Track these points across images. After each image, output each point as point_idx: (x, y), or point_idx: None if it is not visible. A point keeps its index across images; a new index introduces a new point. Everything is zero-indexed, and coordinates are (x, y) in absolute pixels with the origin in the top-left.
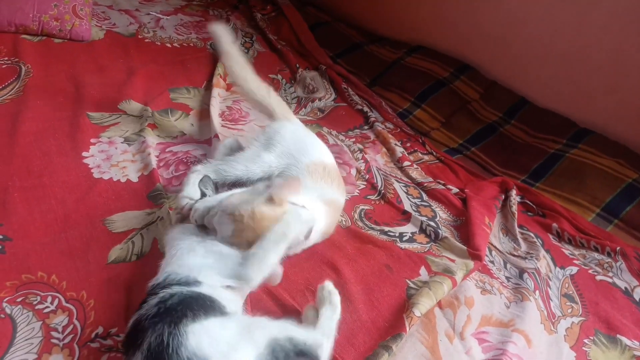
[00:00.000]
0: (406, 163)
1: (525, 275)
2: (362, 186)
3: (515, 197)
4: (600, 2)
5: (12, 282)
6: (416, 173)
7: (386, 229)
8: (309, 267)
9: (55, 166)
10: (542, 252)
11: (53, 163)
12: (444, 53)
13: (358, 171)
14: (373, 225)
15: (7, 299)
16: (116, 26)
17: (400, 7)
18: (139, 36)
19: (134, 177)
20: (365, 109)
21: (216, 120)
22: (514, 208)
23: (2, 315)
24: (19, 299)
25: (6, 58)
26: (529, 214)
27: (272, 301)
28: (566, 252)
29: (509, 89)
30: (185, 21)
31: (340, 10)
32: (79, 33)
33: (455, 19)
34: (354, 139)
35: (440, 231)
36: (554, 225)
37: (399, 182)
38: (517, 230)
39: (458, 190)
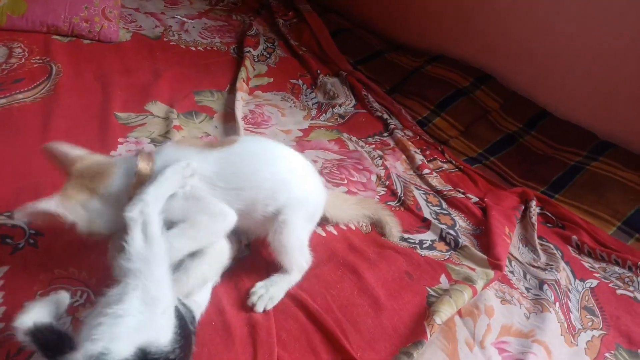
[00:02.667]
0: (426, 171)
1: (545, 287)
2: (382, 192)
3: (535, 208)
4: (625, 15)
5: (45, 275)
6: (436, 181)
7: (406, 235)
8: (329, 270)
9: None
10: (562, 264)
11: None
12: (465, 62)
13: (378, 177)
14: None
15: (40, 292)
16: (142, 28)
17: (422, 16)
18: (165, 39)
19: None
20: (385, 116)
21: (241, 123)
22: (534, 219)
23: None
24: (51, 293)
25: (38, 57)
26: (549, 225)
27: (293, 304)
28: (586, 264)
29: (530, 99)
30: (209, 25)
31: (361, 17)
32: (107, 35)
33: (477, 29)
34: (373, 146)
35: (460, 239)
36: (574, 237)
37: (419, 190)
38: (537, 241)
39: (478, 199)
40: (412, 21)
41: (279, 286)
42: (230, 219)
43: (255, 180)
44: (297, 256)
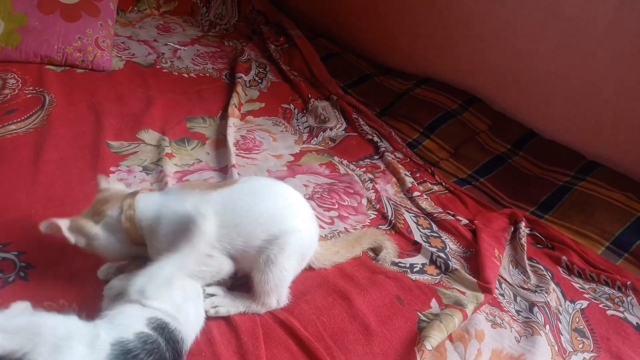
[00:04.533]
0: (416, 193)
1: (536, 309)
2: (373, 216)
3: (524, 229)
4: (606, 40)
5: (35, 308)
6: (426, 203)
7: (396, 260)
8: (319, 296)
9: (76, 194)
10: (552, 285)
11: (75, 191)
12: (453, 85)
13: (369, 201)
14: None
15: None
16: (135, 56)
17: (409, 40)
18: (157, 66)
19: None
20: (376, 138)
21: (232, 149)
22: (523, 240)
23: None
24: None
25: (31, 88)
26: (539, 246)
27: (284, 331)
28: (576, 285)
29: (517, 121)
30: (201, 52)
31: (351, 42)
32: (101, 64)
33: (464, 53)
34: (364, 169)
35: (450, 263)
36: (564, 258)
37: (409, 212)
38: (527, 262)
39: (468, 221)
40: (401, 45)
41: (237, 304)
42: (227, 269)
43: (252, 215)
44: (273, 292)
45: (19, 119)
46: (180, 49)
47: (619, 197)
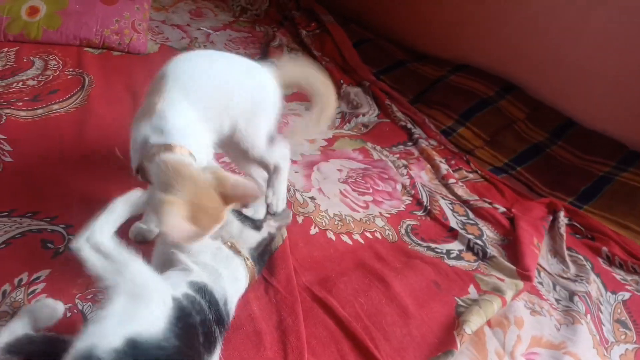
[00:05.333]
0: (451, 180)
1: (576, 298)
2: (408, 201)
3: (563, 219)
4: None
5: (83, 279)
6: (462, 191)
7: (433, 245)
8: (356, 278)
9: (121, 175)
10: (592, 276)
11: (119, 171)
12: (489, 72)
13: (403, 186)
14: (420, 242)
15: (79, 295)
16: (169, 40)
17: (445, 26)
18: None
19: None
20: (409, 125)
21: None
22: (563, 230)
23: (75, 311)
24: (89, 296)
25: (71, 69)
26: (577, 236)
27: (322, 310)
28: (617, 277)
29: (556, 109)
30: (233, 37)
31: (383, 27)
32: (136, 46)
33: (502, 39)
34: (398, 155)
35: (488, 250)
36: (604, 248)
37: (445, 199)
38: (566, 252)
39: (505, 209)
40: (435, 31)
41: (280, 186)
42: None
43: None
44: (268, 153)
45: (61, 99)
46: (212, 33)
47: None
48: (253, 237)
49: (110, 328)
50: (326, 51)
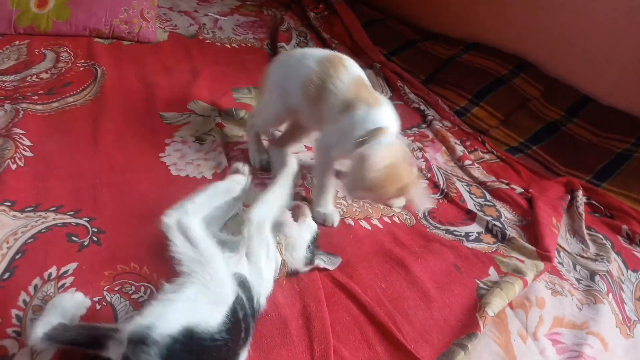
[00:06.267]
0: (467, 162)
1: (597, 278)
2: (424, 185)
3: (581, 198)
4: None
5: (109, 271)
6: (478, 172)
7: (451, 228)
8: (376, 263)
9: (136, 164)
10: (613, 255)
11: (134, 161)
12: (503, 50)
13: (419, 170)
14: (438, 225)
15: (106, 287)
16: (178, 27)
17: (456, 4)
18: (200, 37)
19: (209, 174)
20: (422, 107)
21: None
22: (581, 209)
23: (104, 303)
24: (116, 288)
25: (83, 61)
26: (597, 215)
27: (345, 295)
28: (638, 255)
29: (572, 86)
30: (241, 22)
31: (392, 7)
32: (146, 35)
33: (514, 15)
34: (412, 138)
35: (507, 231)
36: (624, 227)
37: (461, 182)
38: (585, 231)
39: (522, 190)
40: (445, 9)
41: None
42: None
43: None
44: None
45: (74, 92)
46: (220, 19)
47: None
48: (302, 256)
49: (174, 313)
50: (335, 33)
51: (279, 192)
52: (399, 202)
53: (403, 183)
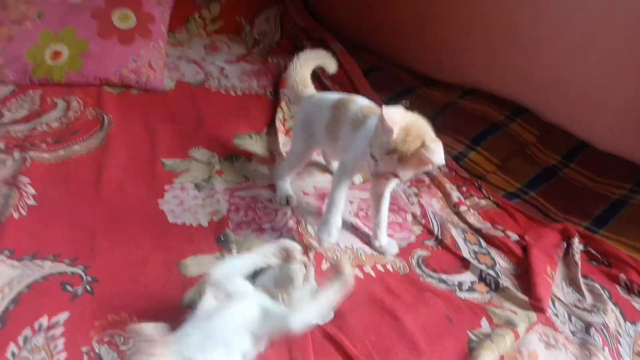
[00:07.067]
0: (463, 208)
1: (592, 330)
2: (419, 232)
3: (578, 245)
4: None
5: (100, 322)
6: (473, 218)
7: (444, 277)
8: (367, 313)
9: (135, 212)
10: (610, 305)
11: (133, 209)
12: (499, 95)
13: (414, 216)
14: (431, 273)
15: (96, 338)
16: (185, 76)
17: (453, 51)
18: (206, 85)
19: (205, 222)
20: None
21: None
22: (577, 257)
23: (92, 354)
24: (106, 339)
25: (92, 109)
26: (594, 263)
27: (334, 348)
28: (637, 305)
29: (568, 131)
30: (247, 69)
31: (393, 54)
32: (153, 84)
33: (508, 62)
34: (408, 183)
35: (500, 280)
36: (622, 276)
37: (456, 228)
38: (581, 280)
39: (518, 237)
40: (444, 56)
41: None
42: None
43: None
44: None
45: (81, 140)
46: (226, 67)
47: None
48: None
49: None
50: (337, 79)
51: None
52: (393, 249)
53: (422, 138)
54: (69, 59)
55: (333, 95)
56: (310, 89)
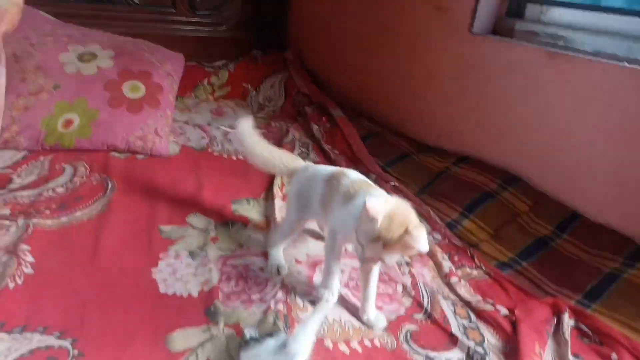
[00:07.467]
0: (454, 279)
1: None
2: (408, 303)
3: (568, 322)
4: None
5: None
6: (464, 290)
7: (432, 354)
8: None
9: (128, 281)
10: None
11: (126, 278)
12: (492, 164)
13: (404, 287)
14: (419, 350)
15: None
16: (190, 140)
17: (447, 120)
18: (209, 150)
19: (195, 292)
20: None
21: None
22: (567, 334)
23: None
24: None
25: (97, 175)
26: (585, 340)
27: None
28: None
29: (560, 202)
30: None
31: (389, 121)
32: (159, 150)
33: (501, 131)
34: None
35: (488, 359)
36: (614, 355)
37: (447, 300)
38: (571, 359)
39: (508, 312)
40: (439, 124)
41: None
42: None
43: None
44: None
45: (84, 206)
46: (230, 131)
47: None
48: None
49: None
50: (336, 144)
51: None
52: (381, 324)
53: (406, 225)
54: (79, 127)
55: (327, 168)
56: (299, 160)
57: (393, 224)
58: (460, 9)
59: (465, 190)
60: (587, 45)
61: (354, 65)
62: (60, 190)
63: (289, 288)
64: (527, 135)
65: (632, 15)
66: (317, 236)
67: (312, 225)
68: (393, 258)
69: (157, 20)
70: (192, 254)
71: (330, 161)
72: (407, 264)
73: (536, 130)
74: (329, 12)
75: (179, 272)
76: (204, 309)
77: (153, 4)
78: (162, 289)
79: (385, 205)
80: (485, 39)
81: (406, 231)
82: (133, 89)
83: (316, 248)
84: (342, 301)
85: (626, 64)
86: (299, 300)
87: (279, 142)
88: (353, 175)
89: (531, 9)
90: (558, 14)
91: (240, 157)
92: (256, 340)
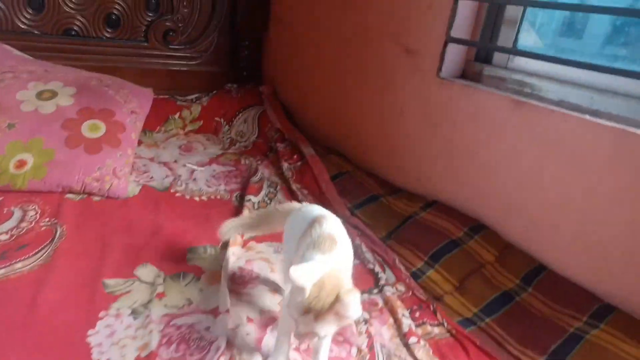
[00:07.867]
0: (412, 340)
1: None
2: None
3: None
4: (607, 174)
5: None
6: (422, 352)
7: None
8: None
9: (59, 345)
10: None
11: (58, 341)
12: (459, 210)
13: (359, 350)
14: None
15: None
16: (153, 179)
17: (415, 162)
18: (172, 190)
19: (131, 358)
20: (377, 269)
21: (226, 291)
22: None
23: None
24: None
25: (47, 219)
26: None
27: None
28: None
29: (526, 252)
30: (217, 172)
31: (362, 159)
32: (116, 191)
33: (467, 177)
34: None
35: None
36: None
37: None
38: None
39: None
40: (408, 167)
41: None
42: None
43: None
44: None
45: (26, 256)
46: (196, 169)
47: (635, 353)
48: None
49: None
50: (305, 183)
51: None
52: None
53: (337, 291)
54: (33, 168)
55: (316, 211)
56: (289, 204)
57: (323, 291)
58: (428, 52)
59: (431, 238)
60: (552, 94)
61: (328, 102)
62: (3, 237)
63: (233, 353)
64: (493, 181)
65: (594, 69)
66: (276, 289)
67: (275, 276)
68: (329, 330)
69: (129, 54)
70: (134, 312)
71: (299, 202)
72: (366, 321)
73: (502, 177)
74: (304, 47)
75: (117, 334)
76: None
77: (124, 38)
78: (95, 355)
79: (315, 272)
80: (454, 84)
81: (337, 298)
82: (92, 128)
83: (272, 303)
84: None
85: (587, 117)
86: None
87: (246, 181)
88: (328, 225)
89: (499, 56)
90: (524, 61)
91: (204, 197)
92: None
